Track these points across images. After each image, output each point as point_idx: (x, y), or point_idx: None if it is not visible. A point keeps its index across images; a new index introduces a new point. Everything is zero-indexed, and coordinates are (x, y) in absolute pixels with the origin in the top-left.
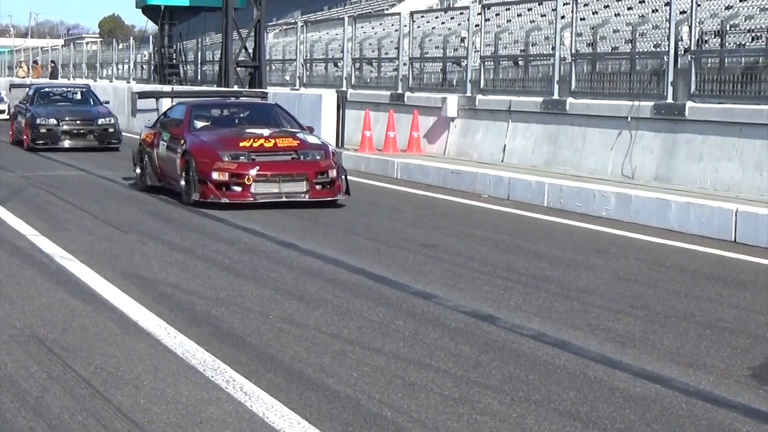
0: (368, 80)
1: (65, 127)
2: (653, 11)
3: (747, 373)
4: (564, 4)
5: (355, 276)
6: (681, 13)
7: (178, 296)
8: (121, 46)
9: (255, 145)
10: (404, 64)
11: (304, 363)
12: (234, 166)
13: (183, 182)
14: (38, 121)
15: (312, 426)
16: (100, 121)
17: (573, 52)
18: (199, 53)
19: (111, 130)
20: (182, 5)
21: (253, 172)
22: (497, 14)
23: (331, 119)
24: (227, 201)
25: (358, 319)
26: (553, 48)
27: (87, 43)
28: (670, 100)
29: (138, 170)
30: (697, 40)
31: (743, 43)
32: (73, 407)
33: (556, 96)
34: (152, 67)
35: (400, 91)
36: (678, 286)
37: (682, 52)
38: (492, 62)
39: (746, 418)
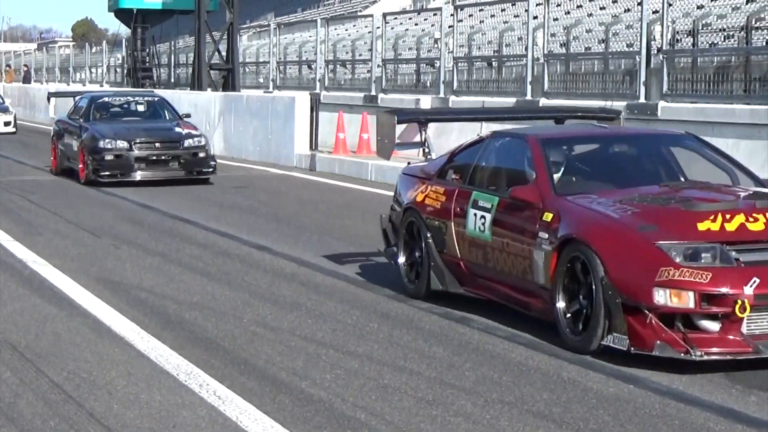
0: (342, 82)
1: (140, 152)
2: (626, 11)
3: (720, 373)
4: (537, 5)
5: (329, 279)
6: (653, 12)
7: (152, 300)
8: (94, 50)
9: (729, 227)
10: (378, 66)
11: (278, 366)
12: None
13: (563, 305)
14: (102, 143)
15: (285, 429)
16: (186, 143)
17: (546, 52)
18: (173, 56)
19: (202, 154)
20: (155, 8)
21: (749, 290)
22: (470, 15)
23: (304, 122)
24: (701, 357)
25: (331, 322)
26: (526, 48)
27: (60, 47)
28: (642, 99)
29: (401, 258)
30: (670, 40)
31: (715, 42)
32: (45, 413)
33: (529, 96)
34: (125, 71)
35: (373, 92)
36: None
37: (655, 52)
38: (465, 63)
39: (719, 418)
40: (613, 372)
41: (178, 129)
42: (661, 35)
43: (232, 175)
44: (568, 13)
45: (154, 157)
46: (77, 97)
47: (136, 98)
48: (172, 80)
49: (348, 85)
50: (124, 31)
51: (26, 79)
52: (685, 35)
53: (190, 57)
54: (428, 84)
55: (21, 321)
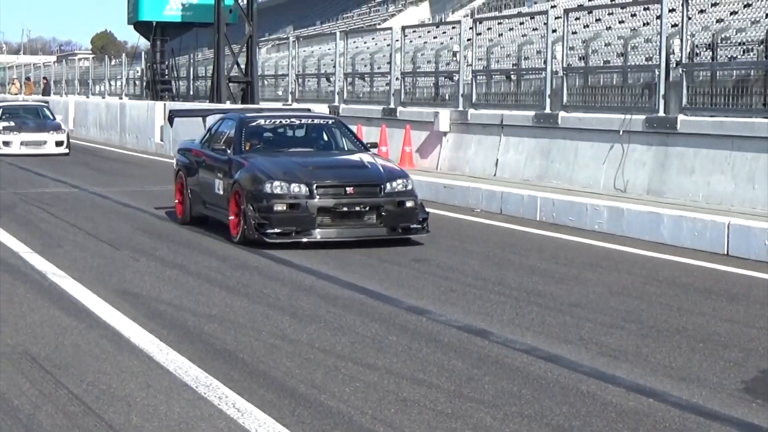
0: (360, 95)
1: (323, 200)
2: (644, 24)
3: (740, 387)
4: (555, 18)
5: (348, 291)
6: (672, 26)
7: (171, 313)
8: (113, 62)
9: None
10: (396, 79)
11: (297, 379)
12: None
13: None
14: (269, 187)
15: None
16: (389, 187)
17: (565, 65)
18: (192, 69)
19: (409, 203)
20: (174, 21)
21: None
22: (489, 28)
23: None
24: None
25: (350, 335)
26: (545, 62)
27: (79, 59)
28: (661, 113)
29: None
30: (689, 54)
31: (735, 56)
32: (65, 425)
33: (548, 110)
34: (144, 83)
35: (392, 105)
36: (670, 299)
37: (674, 66)
38: (484, 76)
39: None
40: (632, 386)
41: (372, 166)
42: (680, 49)
43: None
44: (587, 26)
45: (345, 208)
46: (211, 117)
47: (302, 120)
48: (191, 93)
49: (366, 98)
50: (144, 43)
51: (45, 92)
52: (705, 49)
53: (209, 70)
54: (447, 97)
55: (40, 333)
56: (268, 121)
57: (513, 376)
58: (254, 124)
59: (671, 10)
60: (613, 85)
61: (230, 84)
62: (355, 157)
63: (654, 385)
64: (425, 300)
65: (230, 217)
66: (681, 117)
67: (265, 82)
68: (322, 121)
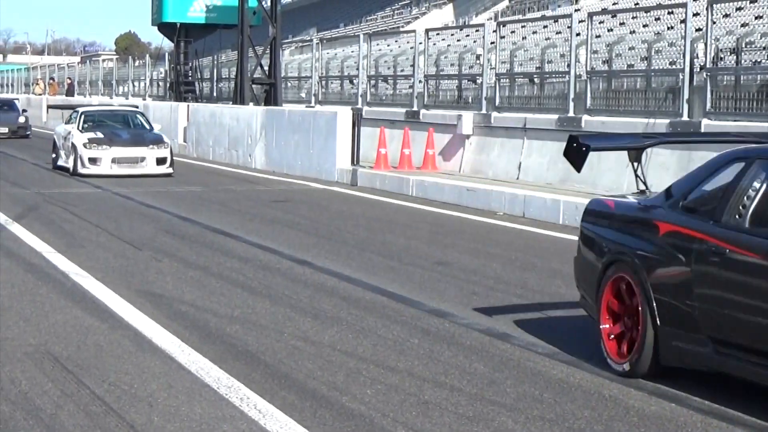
0: (383, 97)
1: None
2: (669, 28)
3: (762, 393)
4: (579, 22)
5: (370, 294)
6: (697, 30)
7: (193, 314)
8: (137, 64)
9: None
10: (419, 82)
11: (318, 381)
12: None
13: None
14: None
15: None
16: None
17: (588, 69)
18: (215, 70)
19: None
20: (198, 23)
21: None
22: (512, 31)
23: (346, 136)
24: None
25: (372, 337)
26: (569, 65)
27: (103, 60)
28: (685, 117)
29: None
30: (713, 58)
31: (759, 60)
32: (86, 424)
33: (571, 113)
34: (168, 85)
35: (415, 108)
36: None
37: (698, 70)
38: (507, 79)
39: None
40: (654, 390)
41: None
42: (705, 53)
43: (273, 189)
44: (611, 30)
45: None
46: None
47: None
48: (215, 94)
49: (389, 101)
50: (168, 44)
51: (69, 92)
52: (729, 53)
53: (232, 71)
54: (470, 100)
55: (63, 333)
56: None
57: (535, 380)
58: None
59: (695, 14)
60: (637, 89)
61: (253, 86)
62: None
63: (675, 390)
64: (447, 303)
65: None
66: (705, 121)
67: (289, 84)
68: None
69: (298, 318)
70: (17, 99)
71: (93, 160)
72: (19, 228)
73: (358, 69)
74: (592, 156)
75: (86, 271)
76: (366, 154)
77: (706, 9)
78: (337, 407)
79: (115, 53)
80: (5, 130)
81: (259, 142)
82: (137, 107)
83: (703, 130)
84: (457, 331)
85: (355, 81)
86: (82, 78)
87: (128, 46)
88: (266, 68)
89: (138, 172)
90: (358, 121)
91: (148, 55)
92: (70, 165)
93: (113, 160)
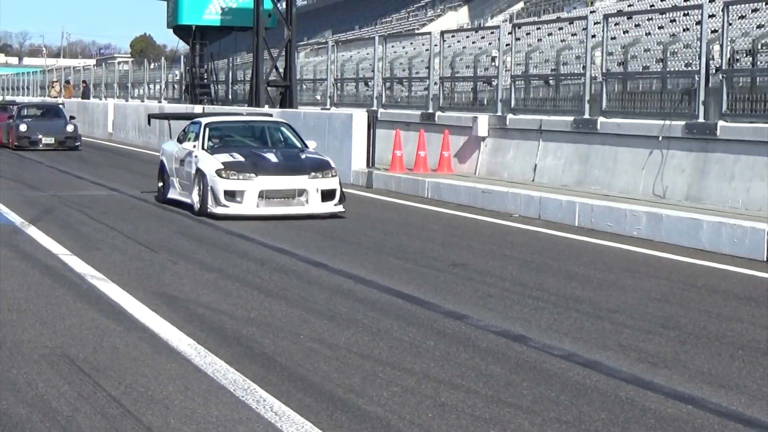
0: (399, 99)
1: None
2: (684, 30)
3: None
4: (595, 23)
5: (386, 296)
6: (712, 32)
7: (209, 316)
8: (152, 66)
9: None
10: (435, 84)
11: (335, 383)
12: None
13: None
14: None
15: None
16: None
17: (604, 71)
18: (230, 73)
19: None
20: (213, 25)
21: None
22: (528, 33)
23: (361, 139)
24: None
25: (388, 339)
26: (584, 67)
27: (119, 62)
28: (701, 119)
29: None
30: (729, 59)
31: None
32: (103, 427)
33: (587, 115)
34: (183, 87)
35: (430, 110)
36: (709, 306)
37: (714, 72)
38: (523, 81)
39: None
40: (671, 392)
41: None
42: (720, 55)
43: None
44: (627, 32)
45: None
46: None
47: None
48: (230, 97)
49: (405, 103)
50: (183, 47)
51: (85, 95)
52: (744, 55)
53: (247, 74)
54: (485, 102)
55: (79, 335)
56: None
57: (551, 382)
58: None
59: (711, 16)
60: (653, 91)
61: (269, 88)
62: None
63: (693, 392)
64: (463, 305)
65: None
66: (721, 123)
67: (304, 86)
68: None
69: (314, 320)
70: (62, 104)
71: (231, 195)
72: (36, 231)
73: (373, 71)
74: (608, 159)
75: (102, 274)
76: (381, 157)
77: (722, 11)
78: (353, 409)
79: (130, 56)
80: (51, 140)
81: None
82: (271, 115)
83: (719, 132)
84: (473, 333)
85: (370, 83)
86: (98, 80)
87: (143, 49)
88: (281, 71)
89: (295, 212)
90: (373, 123)
91: (163, 58)
92: (194, 201)
93: (260, 195)
